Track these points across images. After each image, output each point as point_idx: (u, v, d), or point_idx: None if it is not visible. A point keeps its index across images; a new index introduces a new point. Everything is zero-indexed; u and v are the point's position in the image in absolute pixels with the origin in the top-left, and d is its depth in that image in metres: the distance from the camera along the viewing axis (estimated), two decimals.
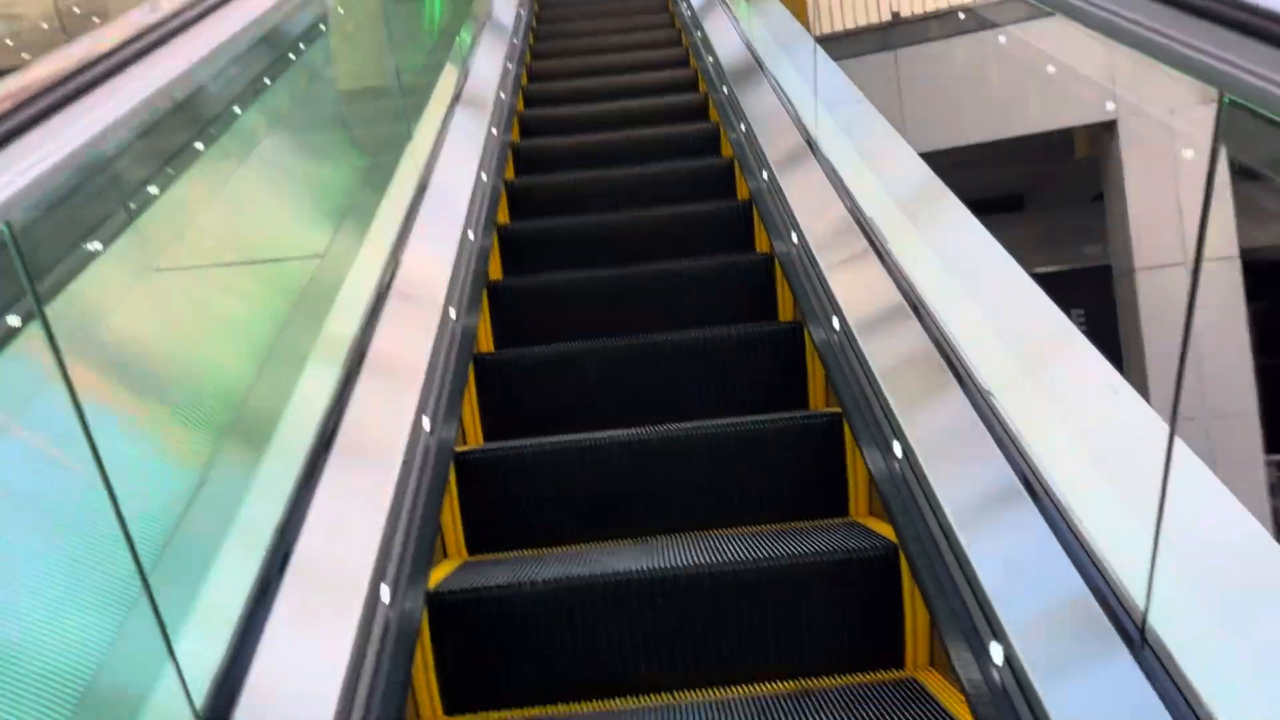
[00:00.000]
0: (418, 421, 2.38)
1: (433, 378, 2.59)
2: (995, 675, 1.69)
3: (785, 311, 3.34)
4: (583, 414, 2.91)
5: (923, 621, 2.09)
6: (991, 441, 1.96)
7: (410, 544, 2.06)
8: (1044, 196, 11.82)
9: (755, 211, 3.74)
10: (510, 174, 4.49)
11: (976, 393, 2.09)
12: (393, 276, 2.83)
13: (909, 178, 3.00)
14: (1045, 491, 1.78)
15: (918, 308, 2.44)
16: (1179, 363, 1.40)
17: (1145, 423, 1.72)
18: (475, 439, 2.97)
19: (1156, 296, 7.97)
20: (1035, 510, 1.77)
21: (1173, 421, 1.43)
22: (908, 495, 2.17)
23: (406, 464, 2.22)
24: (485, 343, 3.32)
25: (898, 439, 2.22)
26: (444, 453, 2.45)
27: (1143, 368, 7.65)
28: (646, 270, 3.43)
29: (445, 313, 2.88)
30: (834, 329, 2.75)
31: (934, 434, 2.15)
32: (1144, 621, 1.43)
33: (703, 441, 2.56)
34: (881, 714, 1.86)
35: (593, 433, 2.61)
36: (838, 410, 2.59)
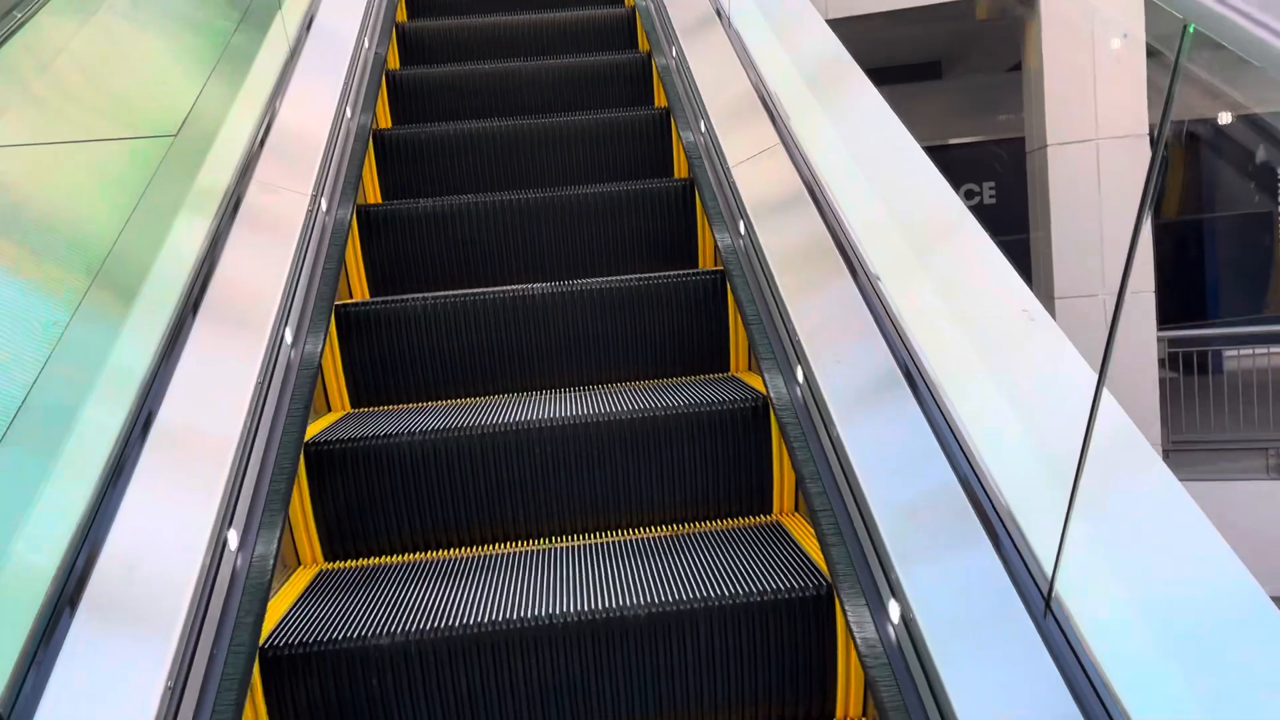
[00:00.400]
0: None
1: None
2: (851, 526, 1.77)
3: (681, 170, 3.33)
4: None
5: (790, 474, 2.17)
6: (874, 324, 1.96)
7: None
8: (963, 64, 11.78)
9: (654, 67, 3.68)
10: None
11: (865, 277, 2.08)
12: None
13: (816, 51, 2.96)
14: (922, 377, 1.79)
15: (814, 189, 2.43)
16: (1106, 344, 1.31)
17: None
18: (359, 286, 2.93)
19: (1067, 172, 8.09)
20: (908, 393, 1.79)
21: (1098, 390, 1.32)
22: (782, 356, 2.22)
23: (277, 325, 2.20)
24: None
25: (778, 304, 2.26)
26: (323, 305, 2.43)
27: (1049, 249, 7.82)
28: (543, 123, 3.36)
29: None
30: (739, 233, 2.75)
31: (818, 314, 2.16)
32: (1008, 513, 1.49)
33: (591, 293, 2.57)
34: (748, 550, 1.95)
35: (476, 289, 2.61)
36: (721, 269, 2.61)
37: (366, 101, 3.39)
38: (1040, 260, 8.07)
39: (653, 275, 2.60)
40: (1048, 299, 7.77)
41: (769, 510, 2.22)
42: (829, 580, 1.76)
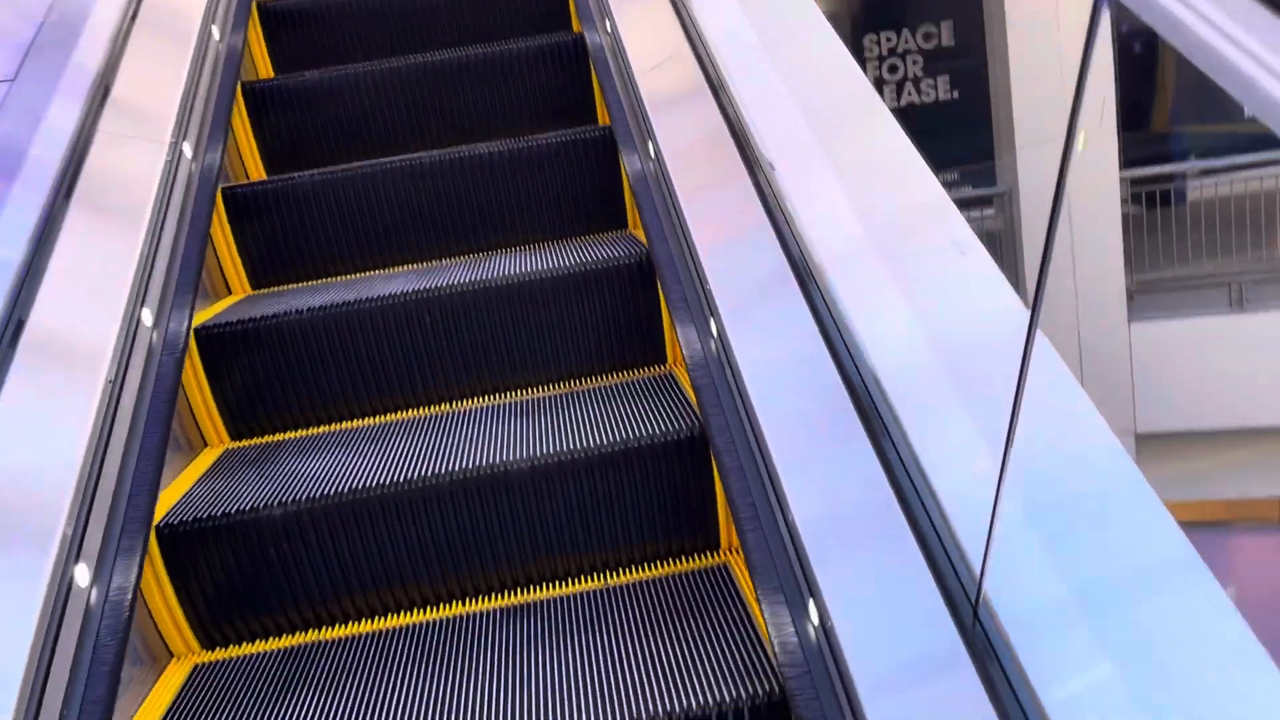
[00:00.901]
0: None
1: None
2: (717, 363, 1.83)
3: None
4: None
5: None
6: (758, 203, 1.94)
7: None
8: None
9: None
10: None
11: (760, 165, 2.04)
12: None
13: None
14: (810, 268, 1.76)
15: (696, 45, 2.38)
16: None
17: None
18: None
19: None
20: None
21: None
22: (665, 213, 2.23)
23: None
24: None
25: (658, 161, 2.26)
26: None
27: (1008, 93, 7.58)
28: None
29: None
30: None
31: (699, 192, 2.14)
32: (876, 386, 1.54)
33: (481, 158, 2.55)
34: (636, 400, 2.01)
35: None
36: (609, 126, 2.59)
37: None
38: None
39: (543, 135, 2.58)
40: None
41: (663, 361, 2.28)
42: (702, 421, 1.83)
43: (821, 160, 1.80)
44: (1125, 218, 7.50)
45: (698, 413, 1.88)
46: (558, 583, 1.86)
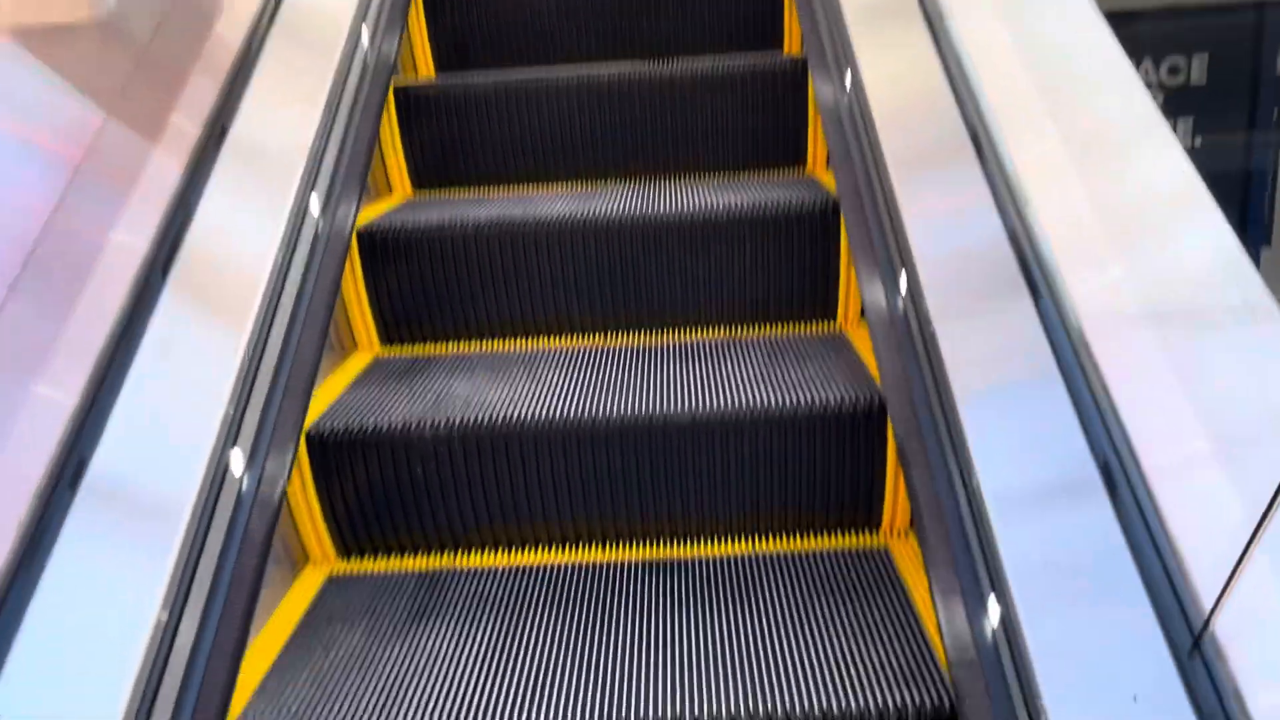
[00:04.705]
0: None
1: None
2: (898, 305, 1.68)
3: None
4: None
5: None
6: (949, 93, 1.80)
7: None
8: None
9: None
10: None
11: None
12: None
13: None
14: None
15: None
16: None
17: None
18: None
19: None
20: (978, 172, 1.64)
21: None
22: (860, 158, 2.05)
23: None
24: None
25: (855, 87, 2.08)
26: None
27: None
28: None
29: None
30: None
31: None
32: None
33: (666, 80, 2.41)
34: (806, 360, 1.88)
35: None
36: (803, 57, 2.41)
37: None
38: None
39: (730, 57, 2.42)
40: None
41: (833, 317, 2.13)
42: (881, 396, 1.68)
43: (1057, 139, 1.59)
44: None
45: (876, 383, 1.73)
46: (704, 542, 1.76)
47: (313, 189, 1.94)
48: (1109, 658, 1.10)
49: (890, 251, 1.76)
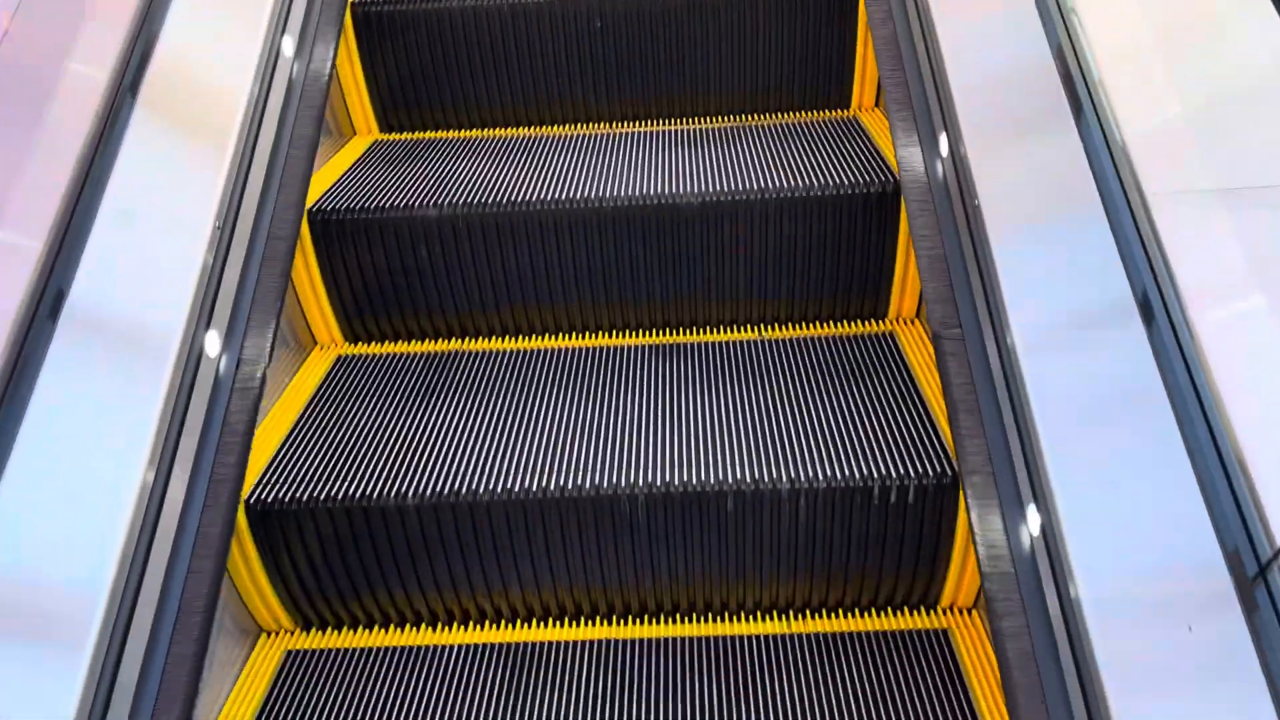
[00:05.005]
0: None
1: None
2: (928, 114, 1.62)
3: None
4: None
5: (872, 68, 1.97)
6: None
7: None
8: None
9: None
10: None
11: None
12: None
13: None
14: None
15: None
16: None
17: None
18: None
19: None
20: None
21: None
22: None
23: None
24: None
25: None
26: None
27: None
28: None
29: None
30: None
31: None
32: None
33: None
34: (816, 144, 1.83)
35: None
36: None
37: None
38: None
39: None
40: None
41: (847, 105, 2.06)
42: (896, 179, 1.64)
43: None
44: None
45: (893, 170, 1.69)
46: (711, 329, 1.77)
47: None
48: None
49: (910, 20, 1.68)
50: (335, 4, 1.92)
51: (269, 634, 1.45)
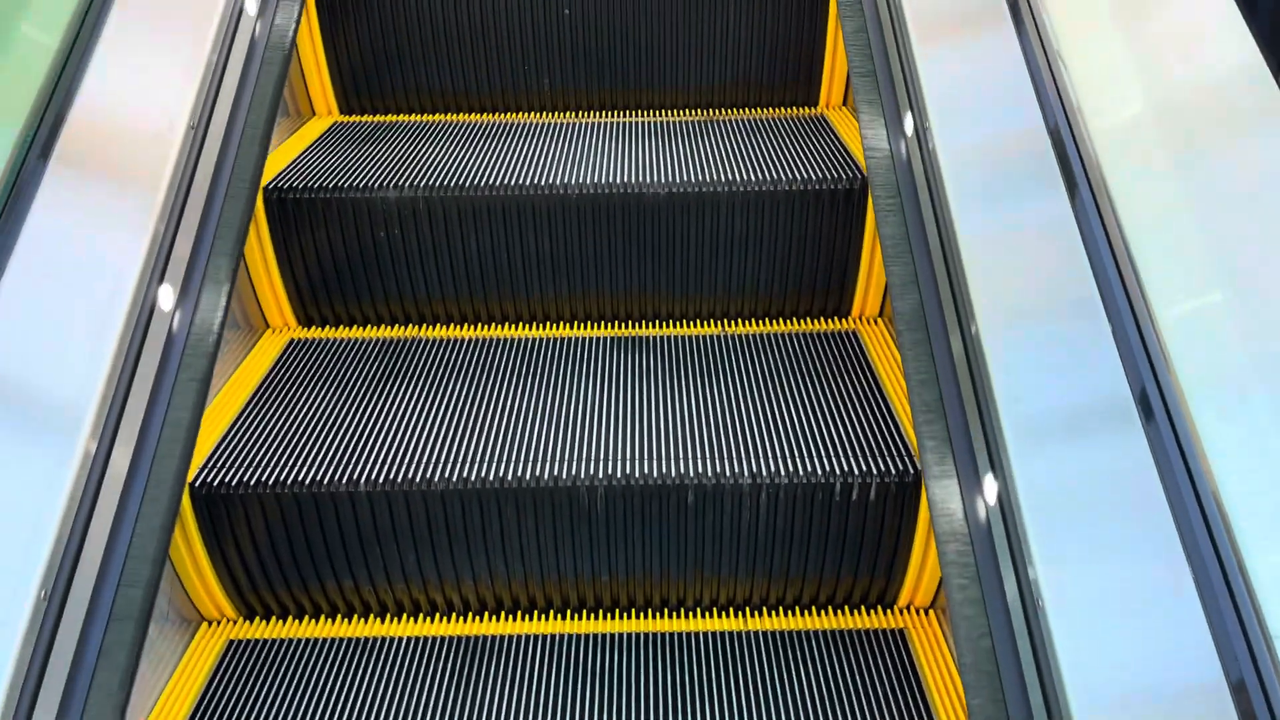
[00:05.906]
0: None
1: None
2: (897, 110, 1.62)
3: None
4: None
5: (842, 63, 1.97)
6: None
7: None
8: None
9: None
10: None
11: None
12: None
13: None
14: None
15: None
16: None
17: None
18: None
19: None
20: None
21: None
22: None
23: None
24: None
25: None
26: None
27: None
28: None
29: None
30: None
31: None
32: None
33: None
34: (783, 139, 1.81)
35: None
36: None
37: None
38: None
39: None
40: None
41: (815, 103, 2.05)
42: (864, 174, 1.63)
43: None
44: None
45: (860, 166, 1.68)
46: (674, 322, 1.75)
47: None
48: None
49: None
50: None
51: (210, 623, 1.41)
